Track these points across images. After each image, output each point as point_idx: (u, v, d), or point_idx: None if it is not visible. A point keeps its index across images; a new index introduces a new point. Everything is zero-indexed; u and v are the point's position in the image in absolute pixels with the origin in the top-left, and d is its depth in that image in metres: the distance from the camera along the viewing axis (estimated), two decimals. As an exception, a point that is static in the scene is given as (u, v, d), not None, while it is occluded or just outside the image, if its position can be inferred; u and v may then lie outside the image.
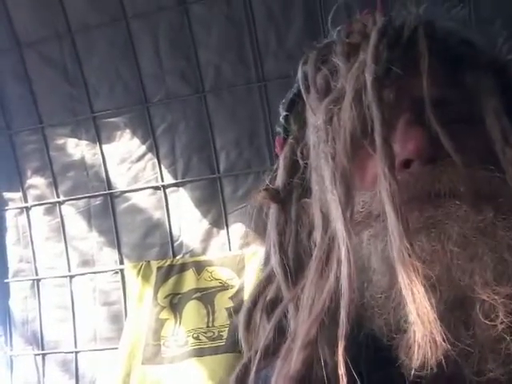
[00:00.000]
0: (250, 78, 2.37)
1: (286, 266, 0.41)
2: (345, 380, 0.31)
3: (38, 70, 2.56)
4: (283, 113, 0.49)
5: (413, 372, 0.32)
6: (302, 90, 0.44)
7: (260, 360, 0.38)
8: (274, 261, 0.42)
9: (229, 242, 2.44)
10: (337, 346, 0.32)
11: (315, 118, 0.41)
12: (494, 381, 0.32)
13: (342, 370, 0.32)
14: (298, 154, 0.45)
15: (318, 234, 0.38)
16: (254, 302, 0.43)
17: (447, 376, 0.32)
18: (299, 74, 0.45)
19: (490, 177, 0.36)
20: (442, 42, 0.41)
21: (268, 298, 0.43)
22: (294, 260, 0.41)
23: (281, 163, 0.46)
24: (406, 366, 0.32)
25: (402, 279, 0.31)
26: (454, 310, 0.32)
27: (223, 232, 2.46)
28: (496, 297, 0.32)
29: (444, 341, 0.30)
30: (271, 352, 0.38)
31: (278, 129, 0.50)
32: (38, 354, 2.63)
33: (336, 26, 0.46)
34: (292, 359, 0.34)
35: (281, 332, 0.39)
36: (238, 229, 2.42)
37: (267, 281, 0.43)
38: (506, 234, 0.34)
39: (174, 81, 2.44)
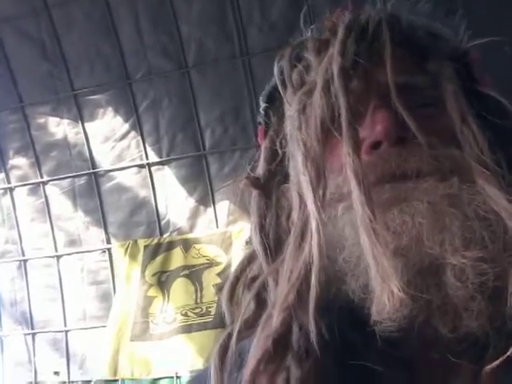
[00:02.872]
0: (233, 51, 2.33)
1: (265, 245, 0.43)
2: (316, 339, 0.34)
3: (15, 46, 2.49)
4: (263, 104, 0.53)
5: (381, 328, 0.34)
6: (279, 85, 0.47)
7: (240, 331, 0.40)
8: (255, 241, 0.45)
9: (216, 220, 2.44)
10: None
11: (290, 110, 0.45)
12: (469, 335, 0.34)
13: (313, 329, 0.34)
14: (278, 144, 0.48)
15: (295, 214, 0.41)
16: (237, 278, 0.46)
17: (423, 336, 0.35)
18: (275, 70, 0.48)
19: (451, 154, 0.40)
20: (407, 34, 0.45)
21: (250, 275, 0.45)
22: (273, 239, 0.44)
23: (262, 153, 0.50)
24: (377, 324, 0.34)
25: (364, 242, 0.35)
26: (426, 276, 0.34)
27: (210, 209, 2.46)
28: (465, 261, 0.34)
29: (400, 291, 0.32)
30: (251, 323, 0.40)
31: (260, 119, 0.54)
32: (28, 334, 2.65)
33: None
34: (271, 323, 0.37)
35: (261, 305, 0.42)
36: (224, 206, 2.42)
37: (249, 259, 0.46)
38: (471, 198, 0.36)
39: (156, 56, 2.39)
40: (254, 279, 0.44)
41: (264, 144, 0.50)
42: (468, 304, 0.34)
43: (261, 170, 0.48)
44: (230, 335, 0.41)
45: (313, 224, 0.37)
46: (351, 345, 0.36)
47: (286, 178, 0.46)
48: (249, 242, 0.48)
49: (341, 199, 0.39)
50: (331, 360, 0.35)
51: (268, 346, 0.35)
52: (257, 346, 0.37)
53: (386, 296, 0.33)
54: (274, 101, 0.50)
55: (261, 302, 0.42)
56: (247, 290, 0.44)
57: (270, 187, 0.47)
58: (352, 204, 0.37)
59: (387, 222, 0.36)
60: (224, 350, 0.40)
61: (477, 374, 0.36)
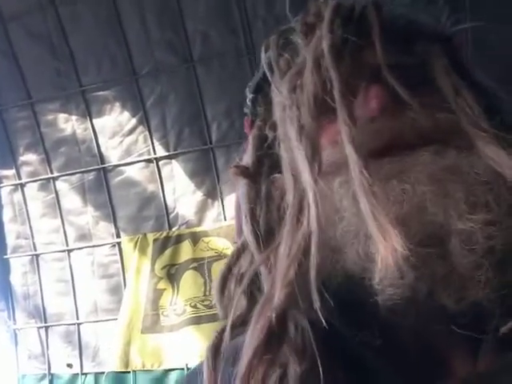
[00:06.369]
0: (238, 45, 2.34)
1: (257, 233, 0.43)
2: (320, 313, 0.33)
3: (23, 44, 2.52)
4: (250, 95, 0.53)
5: (385, 297, 0.33)
6: (267, 72, 0.48)
7: (234, 326, 0.40)
8: (246, 230, 0.44)
9: (223, 213, 2.46)
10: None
11: (280, 94, 0.45)
12: (475, 306, 0.33)
13: (317, 303, 0.33)
14: (267, 131, 0.48)
15: (290, 195, 0.40)
16: (229, 270, 0.45)
17: (425, 310, 0.34)
18: (263, 59, 0.49)
19: (448, 117, 0.39)
20: (390, 20, 0.45)
21: (242, 267, 0.45)
22: (264, 228, 0.43)
23: (250, 142, 0.49)
24: (379, 293, 0.34)
25: (364, 205, 0.34)
26: (430, 245, 0.33)
27: (218, 202, 2.47)
28: (472, 224, 0.33)
29: (404, 249, 0.31)
30: (244, 318, 0.40)
31: (246, 110, 0.54)
32: (42, 327, 2.69)
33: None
34: (267, 310, 0.35)
35: (252, 299, 0.41)
36: (232, 199, 2.44)
37: (241, 251, 0.45)
38: (470, 170, 0.36)
39: (162, 51, 2.41)
40: (244, 272, 0.43)
41: (252, 133, 0.49)
42: (474, 272, 0.33)
43: (249, 158, 0.47)
44: (223, 330, 0.40)
45: (310, 195, 0.36)
46: (350, 324, 0.35)
47: (275, 166, 0.45)
48: (239, 236, 0.47)
49: (335, 171, 0.38)
50: (333, 340, 0.34)
51: (268, 327, 0.34)
52: (251, 337, 0.35)
53: (389, 255, 0.32)
54: (261, 91, 0.50)
55: (252, 296, 0.41)
56: (238, 284, 0.43)
57: (260, 176, 0.46)
58: (348, 178, 0.36)
59: (387, 193, 0.35)
60: (217, 345, 0.39)
61: (477, 348, 0.35)
